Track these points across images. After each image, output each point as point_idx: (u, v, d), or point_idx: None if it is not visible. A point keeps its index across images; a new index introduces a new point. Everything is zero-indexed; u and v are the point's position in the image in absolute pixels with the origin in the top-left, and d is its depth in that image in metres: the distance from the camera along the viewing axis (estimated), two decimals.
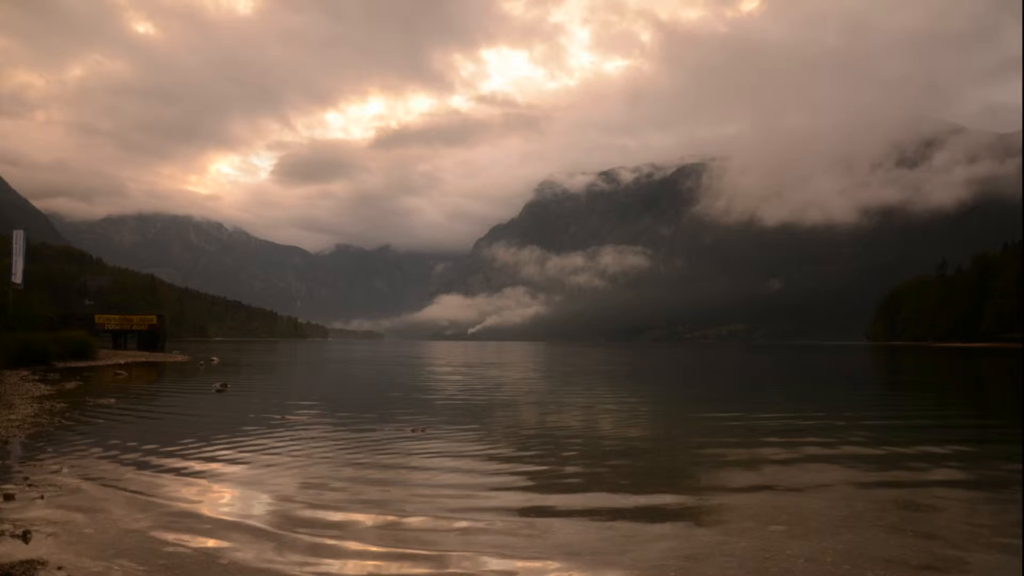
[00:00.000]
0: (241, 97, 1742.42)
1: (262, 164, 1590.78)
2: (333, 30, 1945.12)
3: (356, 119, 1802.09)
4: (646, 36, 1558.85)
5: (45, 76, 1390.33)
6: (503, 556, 5.67)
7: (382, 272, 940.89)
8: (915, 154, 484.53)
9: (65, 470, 8.63)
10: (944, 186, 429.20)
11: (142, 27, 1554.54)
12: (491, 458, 10.01)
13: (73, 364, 31.87)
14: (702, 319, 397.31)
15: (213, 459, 9.73)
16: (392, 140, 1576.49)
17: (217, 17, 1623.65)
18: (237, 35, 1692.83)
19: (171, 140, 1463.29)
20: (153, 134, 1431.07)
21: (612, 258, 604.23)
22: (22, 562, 5.24)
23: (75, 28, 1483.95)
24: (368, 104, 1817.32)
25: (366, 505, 7.20)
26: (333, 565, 5.45)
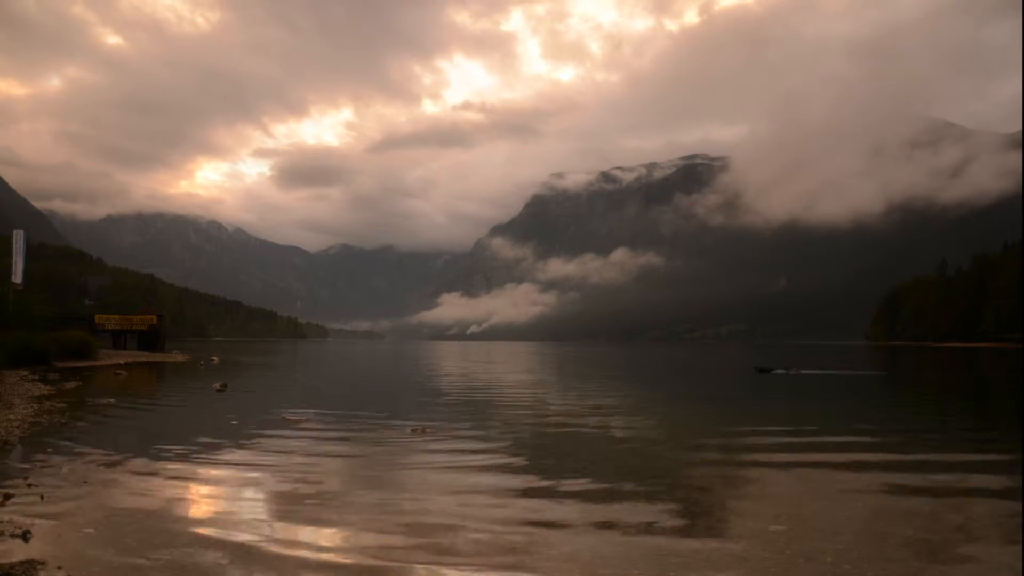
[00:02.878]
0: (220, 106, 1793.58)
1: (249, 170, 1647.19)
2: (292, 43, 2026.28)
3: (342, 125, 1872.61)
4: (595, 45, 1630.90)
5: (26, 88, 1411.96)
6: (495, 556, 5.67)
7: (382, 272, 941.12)
8: (916, 155, 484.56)
9: (65, 470, 8.63)
10: (945, 187, 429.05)
11: (112, 39, 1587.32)
12: (490, 460, 10.00)
13: (73, 364, 31.85)
14: (702, 319, 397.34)
15: (213, 459, 9.72)
16: (386, 144, 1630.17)
17: (180, 30, 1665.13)
18: (203, 47, 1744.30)
19: (159, 147, 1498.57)
20: (139, 142, 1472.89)
21: (612, 258, 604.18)
22: (22, 562, 5.24)
23: (48, 42, 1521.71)
24: (349, 112, 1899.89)
25: (362, 508, 7.20)
26: (327, 569, 5.44)
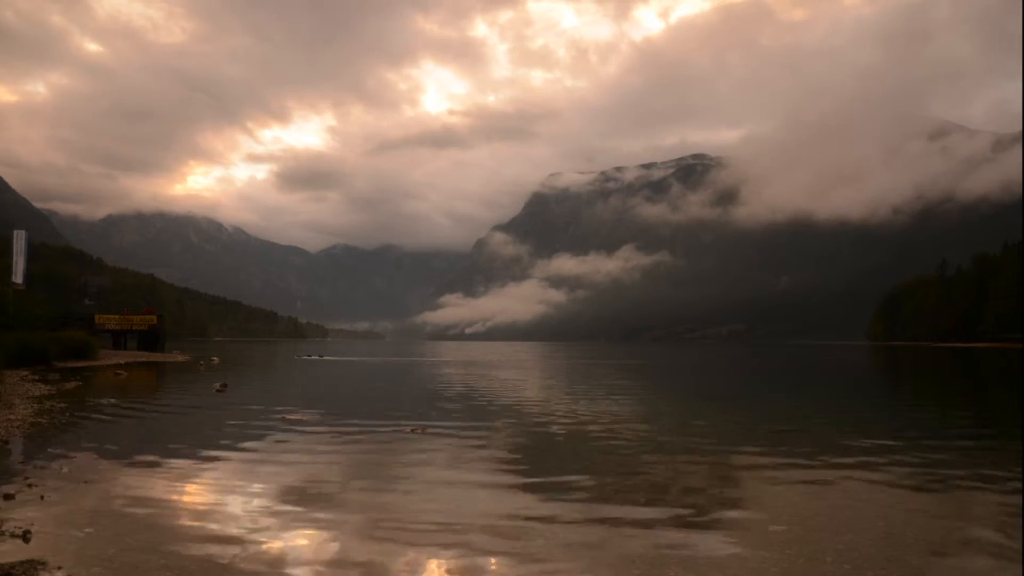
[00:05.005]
0: (207, 113, 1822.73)
1: (246, 174, 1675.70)
2: (266, 52, 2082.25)
3: (329, 130, 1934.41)
4: (562, 51, 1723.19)
5: (13, 95, 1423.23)
6: (493, 556, 5.67)
7: (382, 272, 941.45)
8: (915, 154, 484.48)
9: (65, 470, 8.63)
10: (945, 186, 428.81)
11: (92, 47, 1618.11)
12: (489, 460, 10.00)
13: (73, 364, 31.84)
14: (702, 319, 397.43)
15: (212, 459, 9.72)
16: (379, 148, 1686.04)
17: (158, 38, 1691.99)
18: (182, 55, 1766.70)
19: (151, 152, 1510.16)
20: (131, 147, 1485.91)
21: (612, 258, 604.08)
22: (22, 562, 5.24)
23: (31, 50, 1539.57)
24: (332, 118, 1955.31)
25: (360, 507, 7.20)
26: (326, 567, 5.45)
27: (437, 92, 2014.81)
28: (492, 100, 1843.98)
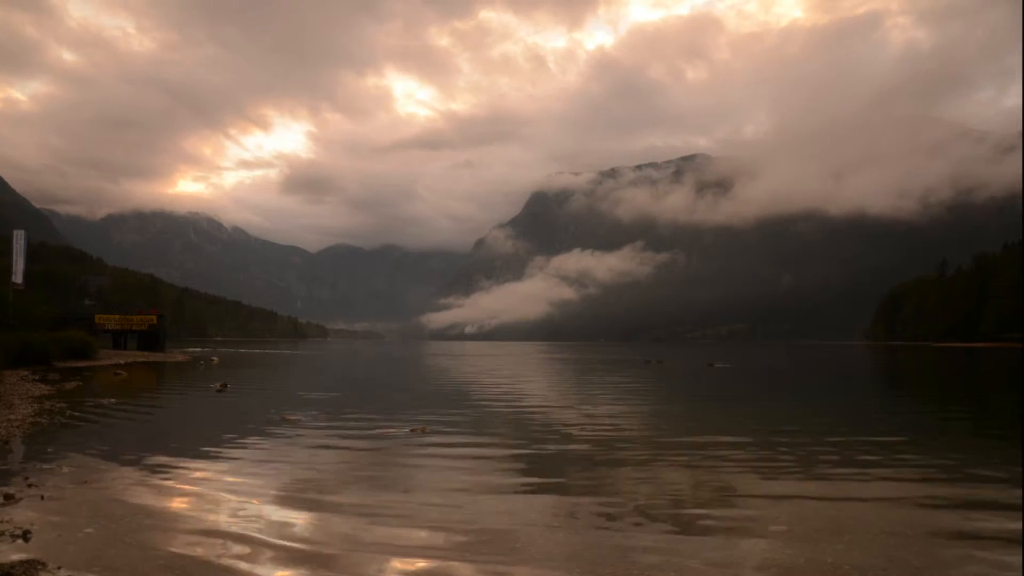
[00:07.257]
0: (192, 119, 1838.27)
1: (243, 177, 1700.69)
2: (237, 62, 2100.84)
3: (316, 135, 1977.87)
4: (522, 59, 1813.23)
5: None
6: (491, 556, 5.67)
7: (382, 272, 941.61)
8: (915, 153, 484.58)
9: (65, 470, 8.63)
10: (945, 186, 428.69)
11: (68, 56, 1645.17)
12: (489, 460, 10.00)
13: (73, 364, 31.85)
14: (702, 319, 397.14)
15: (212, 459, 9.72)
16: (372, 152, 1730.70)
17: (130, 48, 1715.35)
18: (156, 64, 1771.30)
19: (143, 156, 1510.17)
20: (122, 152, 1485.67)
21: (612, 258, 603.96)
22: (22, 562, 5.24)
23: (9, 60, 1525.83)
24: (313, 124, 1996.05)
25: (358, 507, 7.20)
26: (324, 568, 5.44)
27: (407, 99, 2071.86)
28: (464, 106, 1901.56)
